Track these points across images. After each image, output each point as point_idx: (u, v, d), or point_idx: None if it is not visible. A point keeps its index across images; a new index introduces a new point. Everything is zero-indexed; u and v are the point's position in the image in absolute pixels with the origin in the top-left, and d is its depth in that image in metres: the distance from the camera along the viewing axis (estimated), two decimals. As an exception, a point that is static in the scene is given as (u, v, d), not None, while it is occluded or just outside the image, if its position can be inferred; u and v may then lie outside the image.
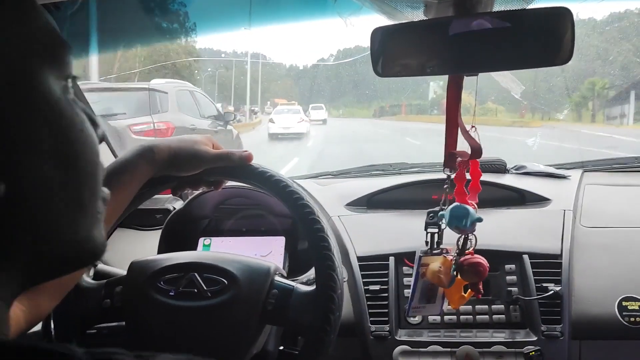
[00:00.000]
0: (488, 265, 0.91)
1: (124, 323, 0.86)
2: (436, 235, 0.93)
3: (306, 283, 0.90)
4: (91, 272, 0.90)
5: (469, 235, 0.90)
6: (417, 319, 1.11)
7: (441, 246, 0.94)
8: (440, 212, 0.91)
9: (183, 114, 5.87)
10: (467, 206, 0.88)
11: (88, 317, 0.86)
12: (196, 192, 1.28)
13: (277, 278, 0.86)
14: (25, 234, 0.35)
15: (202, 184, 0.92)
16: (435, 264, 0.92)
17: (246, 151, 0.87)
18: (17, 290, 0.37)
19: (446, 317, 1.10)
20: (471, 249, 0.91)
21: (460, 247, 0.91)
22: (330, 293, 0.80)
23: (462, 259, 0.91)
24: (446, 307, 0.99)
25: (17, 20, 0.35)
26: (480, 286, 0.93)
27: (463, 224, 0.87)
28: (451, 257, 0.93)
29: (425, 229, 0.94)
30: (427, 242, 0.94)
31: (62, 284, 0.73)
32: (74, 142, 0.37)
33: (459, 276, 0.92)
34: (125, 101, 5.29)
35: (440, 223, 0.92)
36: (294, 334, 1.07)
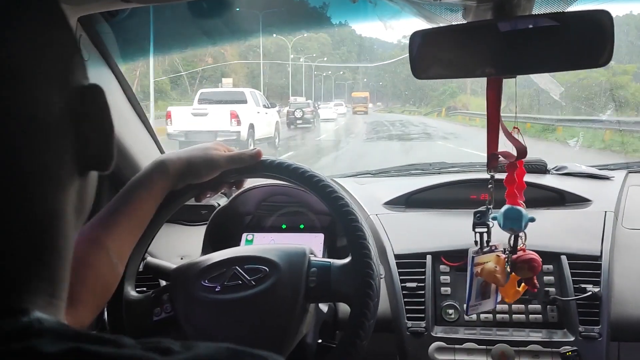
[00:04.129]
0: (541, 260, 0.94)
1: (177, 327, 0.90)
2: (485, 234, 0.97)
3: None
4: (141, 267, 0.95)
5: (519, 233, 0.94)
6: (453, 316, 1.13)
7: (490, 244, 0.97)
8: (492, 215, 0.95)
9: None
10: (519, 208, 0.92)
11: (143, 328, 0.90)
12: (239, 190, 1.33)
13: (313, 258, 0.90)
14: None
15: (222, 186, 0.97)
16: (490, 263, 0.96)
17: (255, 149, 0.92)
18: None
19: (482, 316, 1.12)
20: (522, 245, 0.95)
21: (512, 245, 0.95)
22: (365, 260, 0.84)
23: (514, 256, 0.95)
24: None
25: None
26: (535, 280, 0.96)
27: (517, 225, 0.92)
28: (504, 256, 0.96)
29: (474, 229, 0.97)
30: (476, 242, 0.97)
31: (98, 296, 0.77)
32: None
33: (512, 273, 0.96)
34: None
35: (488, 222, 0.95)
36: (335, 317, 1.12)
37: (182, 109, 12.90)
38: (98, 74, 1.19)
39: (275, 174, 0.92)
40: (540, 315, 1.10)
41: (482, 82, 0.92)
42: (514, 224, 0.91)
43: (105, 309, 0.91)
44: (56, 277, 0.37)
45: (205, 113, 11.78)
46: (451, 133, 17.24)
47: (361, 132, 20.20)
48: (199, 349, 0.31)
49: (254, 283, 0.87)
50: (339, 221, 0.89)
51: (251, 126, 12.09)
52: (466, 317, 1.12)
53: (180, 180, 0.87)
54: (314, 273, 0.87)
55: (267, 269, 0.88)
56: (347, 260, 0.87)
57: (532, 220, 0.90)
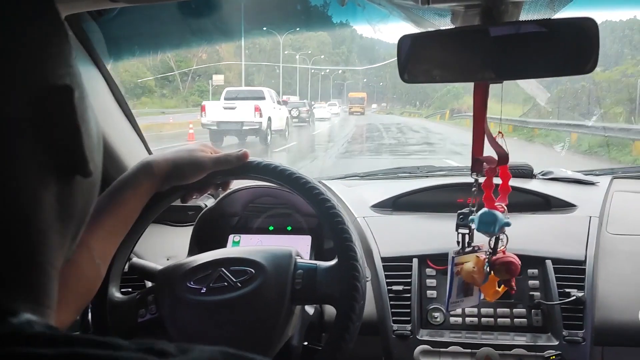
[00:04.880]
0: (520, 262, 0.95)
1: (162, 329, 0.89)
2: (467, 235, 0.98)
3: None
4: (126, 267, 0.94)
5: (500, 235, 0.95)
6: (439, 320, 1.13)
7: (472, 244, 0.98)
8: (471, 217, 0.96)
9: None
10: (496, 212, 0.93)
11: (127, 330, 0.90)
12: (226, 191, 1.32)
13: (299, 260, 0.90)
14: None
15: (209, 188, 0.96)
16: (469, 264, 0.97)
17: (241, 150, 0.92)
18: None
19: (467, 319, 1.12)
20: (503, 247, 0.96)
21: (492, 246, 0.96)
22: (352, 262, 0.84)
23: (494, 257, 0.96)
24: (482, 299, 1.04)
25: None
26: (513, 283, 0.97)
27: (491, 229, 0.93)
28: (484, 256, 0.97)
29: (457, 230, 0.98)
30: (458, 242, 0.98)
31: (80, 297, 0.75)
32: None
33: (492, 273, 0.97)
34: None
35: (470, 224, 0.96)
36: (320, 319, 1.12)
37: (214, 103, 15.25)
38: (85, 74, 1.17)
39: (262, 175, 0.92)
40: (525, 319, 1.11)
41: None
42: (488, 227, 0.92)
43: (90, 309, 0.90)
44: (39, 283, 0.36)
45: (234, 107, 13.98)
46: (462, 144, 12.91)
47: (343, 140, 17.23)
48: (194, 353, 0.31)
49: (239, 285, 0.87)
50: (325, 223, 0.89)
51: (269, 119, 14.20)
52: (451, 320, 1.13)
53: (166, 181, 0.87)
54: (300, 275, 0.87)
55: (253, 271, 0.87)
56: (333, 262, 0.87)
57: (508, 224, 0.91)
